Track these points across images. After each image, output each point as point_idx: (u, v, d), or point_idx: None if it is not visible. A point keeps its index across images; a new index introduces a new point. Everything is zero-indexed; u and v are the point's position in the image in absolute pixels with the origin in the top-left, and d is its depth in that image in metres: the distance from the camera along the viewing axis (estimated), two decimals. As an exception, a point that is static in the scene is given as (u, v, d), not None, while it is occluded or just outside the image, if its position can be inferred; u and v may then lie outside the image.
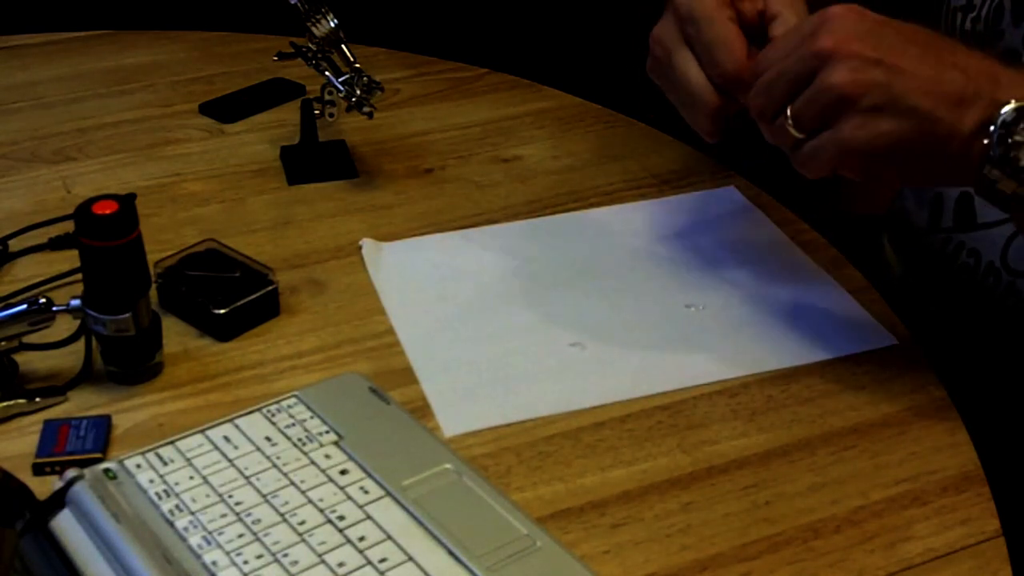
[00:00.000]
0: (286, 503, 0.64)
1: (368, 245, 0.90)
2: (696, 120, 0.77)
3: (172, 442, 0.68)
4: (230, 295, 0.80)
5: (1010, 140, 0.65)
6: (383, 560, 0.60)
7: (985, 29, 0.85)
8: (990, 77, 0.67)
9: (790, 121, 0.69)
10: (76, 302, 0.74)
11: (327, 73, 0.96)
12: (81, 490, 0.63)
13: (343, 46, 0.96)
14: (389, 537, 0.62)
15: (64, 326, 0.75)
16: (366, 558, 0.60)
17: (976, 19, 0.86)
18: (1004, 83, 0.66)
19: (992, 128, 0.65)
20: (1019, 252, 0.81)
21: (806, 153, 0.70)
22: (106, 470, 0.65)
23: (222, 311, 0.79)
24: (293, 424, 0.70)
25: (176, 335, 0.80)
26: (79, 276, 0.74)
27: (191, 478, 0.65)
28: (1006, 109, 0.65)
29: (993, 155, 0.65)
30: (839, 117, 0.67)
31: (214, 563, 0.60)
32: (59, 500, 0.63)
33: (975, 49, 0.69)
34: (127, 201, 0.72)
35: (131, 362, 0.76)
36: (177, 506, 0.63)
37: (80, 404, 0.74)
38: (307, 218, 0.94)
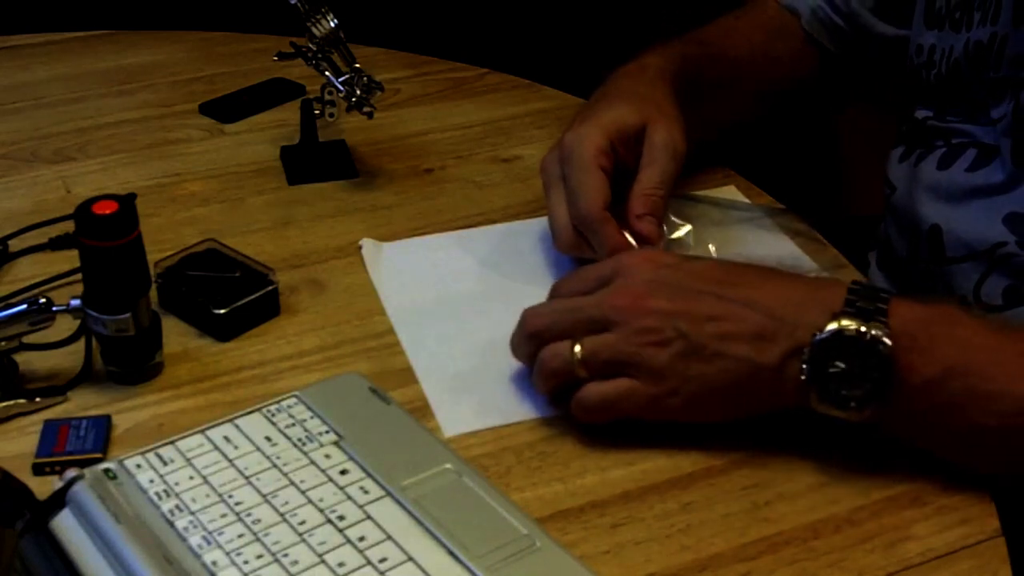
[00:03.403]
0: (286, 503, 0.64)
1: (368, 245, 0.90)
2: (556, 246, 0.85)
3: (172, 442, 0.68)
4: (230, 295, 0.80)
5: (828, 371, 0.64)
6: (383, 560, 0.60)
7: (950, 83, 0.86)
8: (795, 306, 0.67)
9: (578, 357, 0.69)
10: (76, 302, 0.74)
11: (327, 73, 0.96)
12: (81, 490, 0.63)
13: (343, 46, 0.96)
14: (389, 537, 0.62)
15: (64, 326, 0.75)
16: (366, 558, 0.60)
17: (939, 75, 0.87)
18: (812, 307, 0.66)
19: (804, 365, 0.65)
20: (993, 288, 0.81)
21: (594, 397, 0.69)
22: (106, 470, 0.65)
23: (222, 311, 0.79)
24: (293, 424, 0.70)
25: (176, 335, 0.80)
26: (79, 276, 0.74)
27: (191, 478, 0.65)
28: (808, 349, 0.65)
29: (816, 392, 0.65)
30: (638, 370, 0.68)
31: (214, 563, 0.60)
32: (59, 500, 0.63)
33: (784, 275, 0.69)
34: (127, 201, 0.72)
35: (131, 362, 0.76)
36: (177, 506, 0.63)
37: (80, 404, 0.74)
38: (307, 218, 0.94)
